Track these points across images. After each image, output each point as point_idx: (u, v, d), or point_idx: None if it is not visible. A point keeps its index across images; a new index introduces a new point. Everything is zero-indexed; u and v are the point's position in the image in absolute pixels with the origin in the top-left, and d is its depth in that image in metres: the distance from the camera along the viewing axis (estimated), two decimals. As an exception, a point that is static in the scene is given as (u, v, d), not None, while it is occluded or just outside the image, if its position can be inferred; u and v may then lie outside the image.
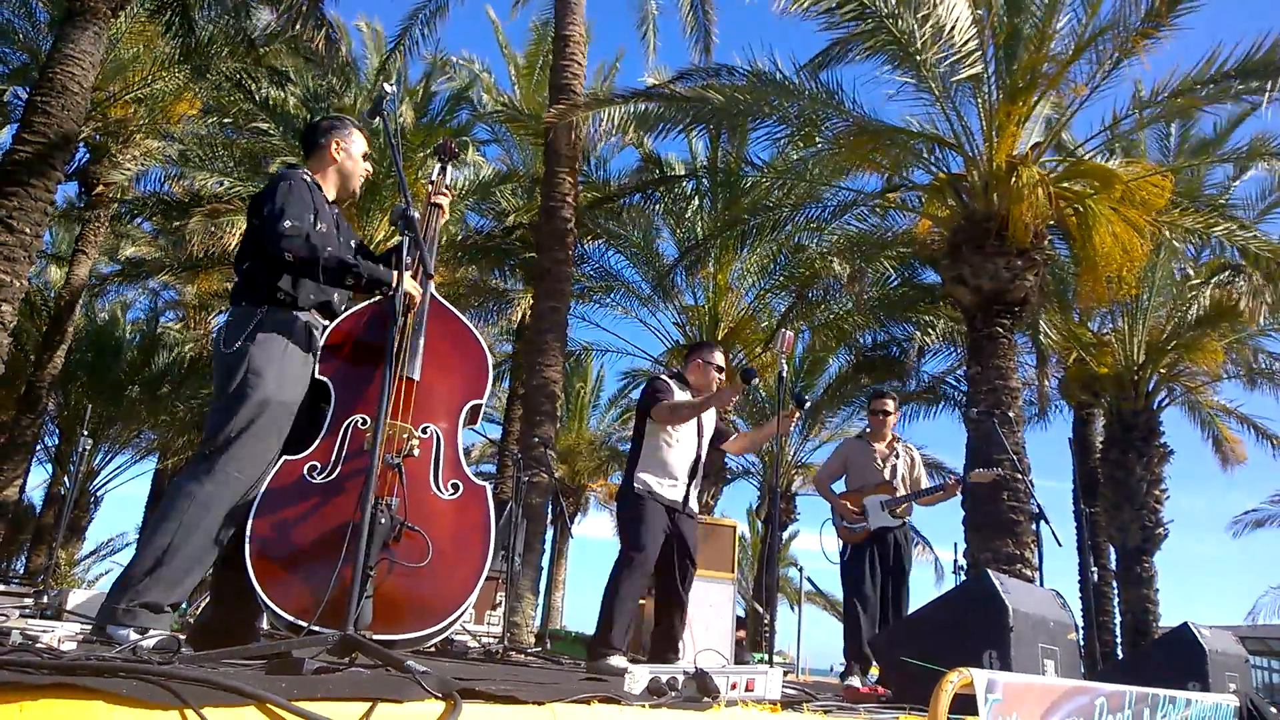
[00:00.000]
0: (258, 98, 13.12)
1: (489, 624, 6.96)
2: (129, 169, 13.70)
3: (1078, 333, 14.29)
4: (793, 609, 21.79)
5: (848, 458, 6.19)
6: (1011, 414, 9.28)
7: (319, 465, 2.89)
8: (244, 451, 2.83)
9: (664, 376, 5.05)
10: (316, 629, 2.48)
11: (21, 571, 18.73)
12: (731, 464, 19.28)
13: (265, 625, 2.98)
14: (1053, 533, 5.33)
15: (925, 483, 6.11)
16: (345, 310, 3.23)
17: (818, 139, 10.67)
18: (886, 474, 5.96)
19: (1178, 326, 13.72)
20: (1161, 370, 14.28)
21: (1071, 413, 17.04)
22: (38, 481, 22.21)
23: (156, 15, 11.78)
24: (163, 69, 13.01)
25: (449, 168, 3.76)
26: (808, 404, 5.03)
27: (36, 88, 9.43)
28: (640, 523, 4.61)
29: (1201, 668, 4.66)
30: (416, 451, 2.93)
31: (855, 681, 5.26)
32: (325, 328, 3.14)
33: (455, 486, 2.98)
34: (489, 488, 3.07)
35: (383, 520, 2.67)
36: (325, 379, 3.07)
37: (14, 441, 14.76)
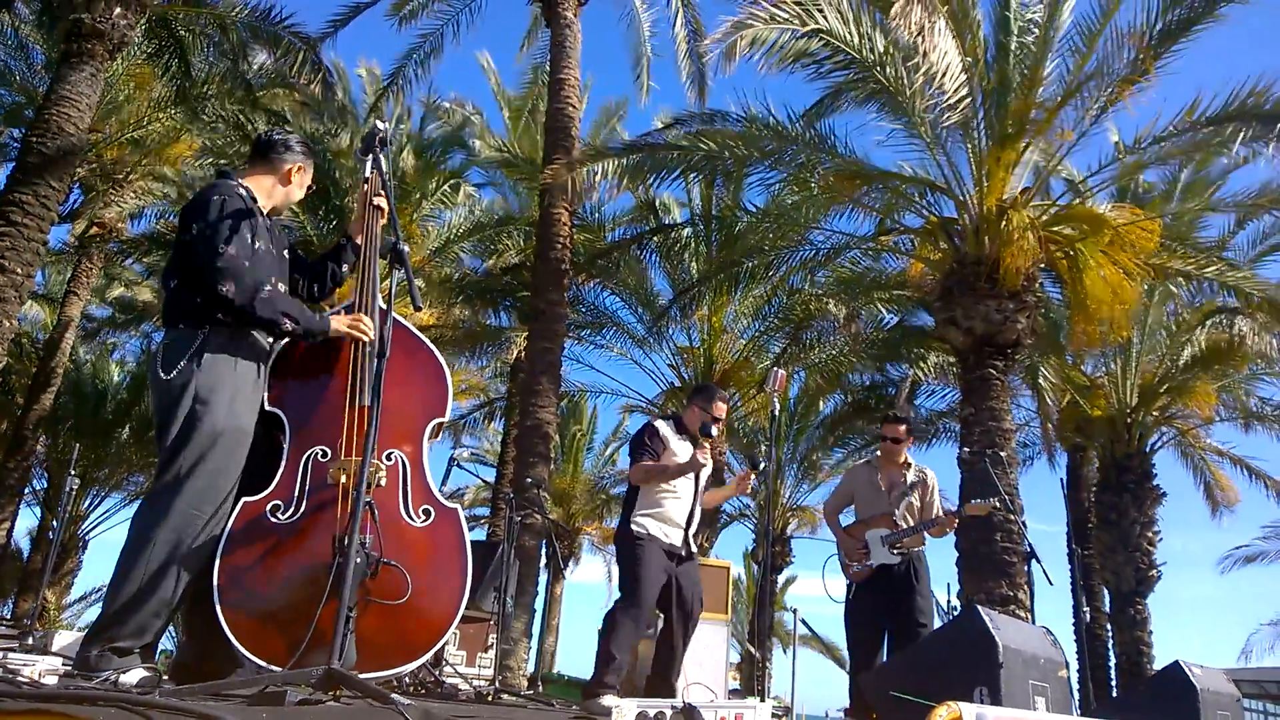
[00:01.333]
0: (254, 139, 13.20)
1: (480, 667, 6.86)
2: (123, 207, 13.75)
3: (1071, 375, 14.34)
4: (786, 653, 21.53)
5: (853, 487, 5.80)
6: (1004, 455, 9.28)
7: (280, 504, 2.81)
8: (199, 487, 2.70)
9: (659, 422, 5.05)
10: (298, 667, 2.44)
11: (9, 617, 18.46)
12: (727, 507, 19.22)
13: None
14: (1044, 571, 5.31)
15: (940, 510, 5.59)
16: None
17: (811, 183, 10.78)
18: (890, 503, 5.50)
19: (1170, 370, 13.79)
20: (1154, 413, 14.32)
21: (1064, 455, 17.08)
22: (27, 526, 21.94)
23: (154, 58, 11.91)
24: (159, 110, 13.12)
25: (382, 158, 3.34)
26: (762, 466, 4.97)
27: (32, 128, 9.50)
28: (638, 565, 4.57)
29: (1193, 707, 4.62)
30: (384, 480, 2.89)
31: None
32: (271, 349, 3.00)
33: (426, 513, 2.92)
34: (460, 510, 3.02)
35: (358, 560, 2.58)
36: (276, 410, 2.94)
37: (1, 484, 14.65)
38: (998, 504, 6.58)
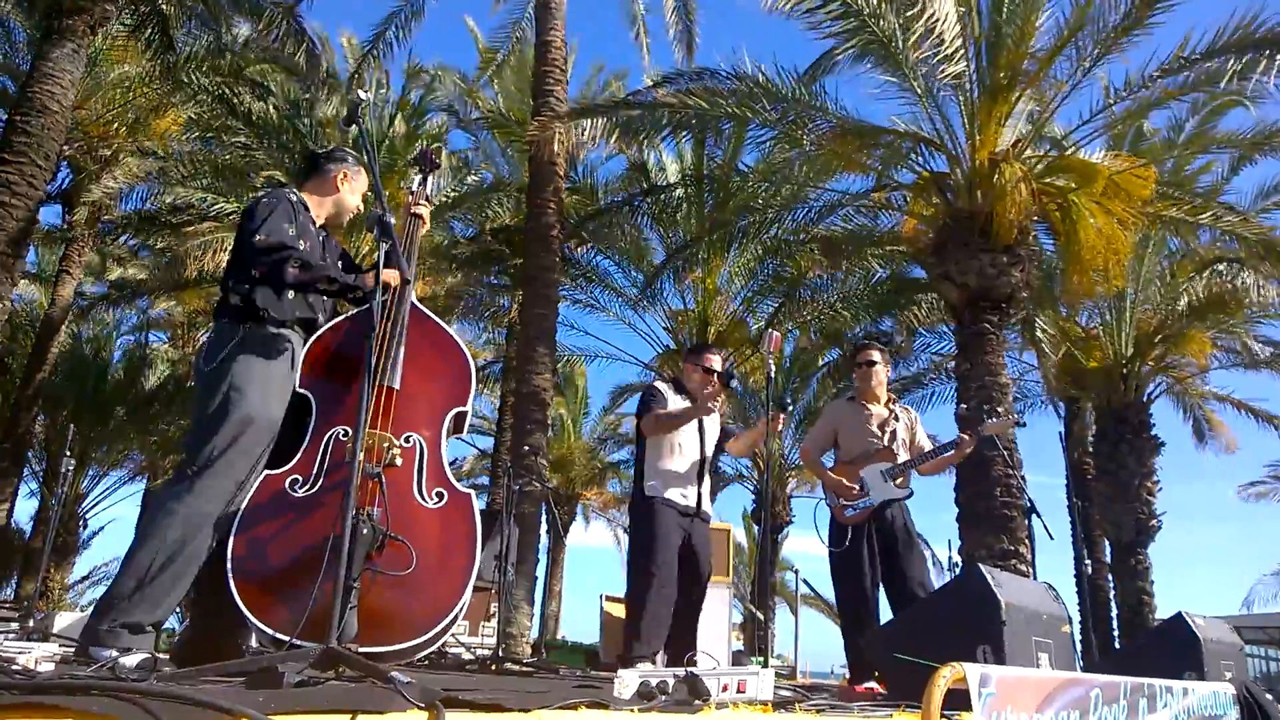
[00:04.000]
0: (239, 111, 13.06)
1: (483, 635, 6.91)
2: (111, 186, 13.60)
3: (1066, 327, 14.32)
4: (791, 613, 21.74)
5: (837, 423, 5.31)
6: (1002, 409, 9.28)
7: (300, 479, 2.87)
8: (226, 469, 2.81)
9: (659, 383, 5.05)
10: (299, 643, 2.44)
11: (12, 598, 18.54)
12: (726, 468, 19.29)
13: (254, 643, 2.93)
14: (1044, 526, 5.29)
15: (928, 446, 5.21)
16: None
17: (804, 140, 10.66)
18: (885, 439, 5.11)
19: (1166, 319, 13.76)
20: (1151, 362, 14.31)
21: (1063, 407, 17.13)
22: (29, 508, 21.97)
23: (136, 32, 11.71)
24: (143, 85, 12.94)
25: (430, 178, 3.74)
26: (790, 407, 4.85)
27: (16, 107, 9.38)
28: (654, 531, 4.59)
29: (1197, 657, 4.63)
30: (399, 460, 2.92)
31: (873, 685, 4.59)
32: (305, 344, 3.13)
33: (440, 495, 2.95)
34: (474, 495, 3.05)
35: (364, 531, 2.62)
36: (306, 392, 3.05)
37: (-1, 465, 14.64)
38: (1020, 420, 6.31)
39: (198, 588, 2.86)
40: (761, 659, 10.11)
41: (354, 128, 2.88)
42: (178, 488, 2.79)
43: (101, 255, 16.61)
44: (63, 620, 5.20)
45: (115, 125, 13.91)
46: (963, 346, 9.82)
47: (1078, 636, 4.86)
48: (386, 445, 2.89)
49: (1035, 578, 7.14)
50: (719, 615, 7.61)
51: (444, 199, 13.80)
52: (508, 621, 8.78)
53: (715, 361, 5.03)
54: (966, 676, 2.45)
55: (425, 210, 3.55)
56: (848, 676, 5.05)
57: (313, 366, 3.10)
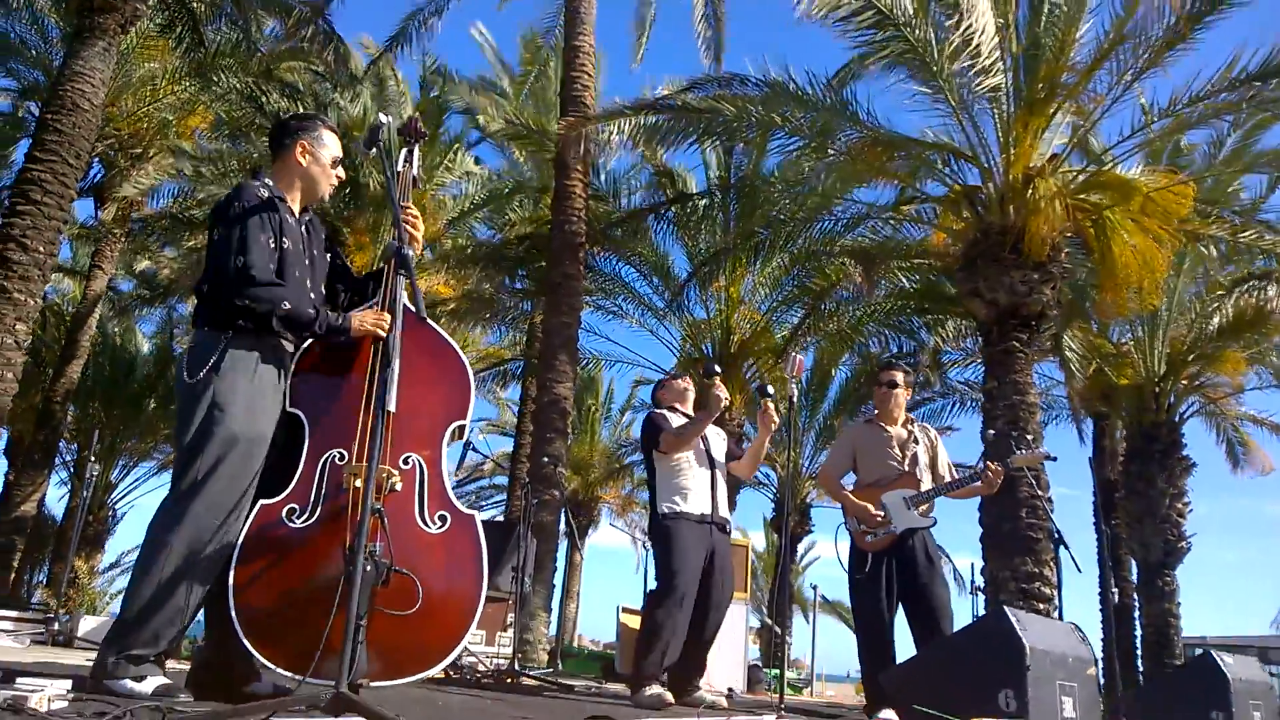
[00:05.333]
0: (268, 110, 13.16)
1: (500, 645, 6.89)
2: (142, 183, 13.73)
3: (1097, 343, 14.08)
4: (807, 620, 21.55)
5: (856, 446, 5.19)
6: (1029, 431, 9.13)
7: (297, 508, 2.77)
8: (215, 492, 2.68)
9: (658, 411, 5.08)
10: (312, 681, 2.40)
11: (45, 582, 18.78)
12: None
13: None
14: (1072, 559, 5.17)
15: (949, 469, 5.10)
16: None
17: (831, 150, 10.54)
18: (906, 464, 5.00)
19: (1199, 337, 13.51)
20: (1184, 382, 14.05)
21: (1090, 424, 16.88)
22: (60, 496, 22.24)
23: (167, 30, 11.81)
24: (173, 83, 13.04)
25: (416, 151, 3.30)
26: (770, 391, 4.78)
27: (48, 105, 9.46)
28: (672, 550, 4.58)
29: (1225, 697, 4.53)
30: (399, 485, 2.83)
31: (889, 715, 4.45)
32: (294, 353, 2.96)
33: (443, 519, 2.85)
34: (477, 516, 2.96)
35: (368, 568, 2.52)
36: (297, 411, 2.90)
37: (31, 457, 14.83)
38: (1051, 456, 6.11)
39: (210, 608, 2.79)
40: (774, 671, 10.03)
41: (373, 151, 2.78)
42: (168, 518, 2.67)
43: (133, 252, 16.72)
44: (86, 624, 5.22)
45: (145, 124, 14.02)
46: (990, 365, 9.67)
47: (1102, 666, 4.76)
48: (385, 475, 2.78)
49: (1061, 601, 7.04)
50: (737, 629, 7.57)
51: (467, 204, 13.83)
52: (525, 629, 8.78)
53: (679, 383, 5.23)
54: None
55: (419, 218, 3.15)
56: (864, 704, 4.96)
57: (302, 382, 2.94)
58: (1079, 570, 5.26)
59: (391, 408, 2.84)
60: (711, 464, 4.92)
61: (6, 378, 8.75)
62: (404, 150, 3.29)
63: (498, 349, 18.86)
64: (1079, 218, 9.66)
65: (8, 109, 15.27)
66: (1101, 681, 4.42)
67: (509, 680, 5.28)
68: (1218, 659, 4.65)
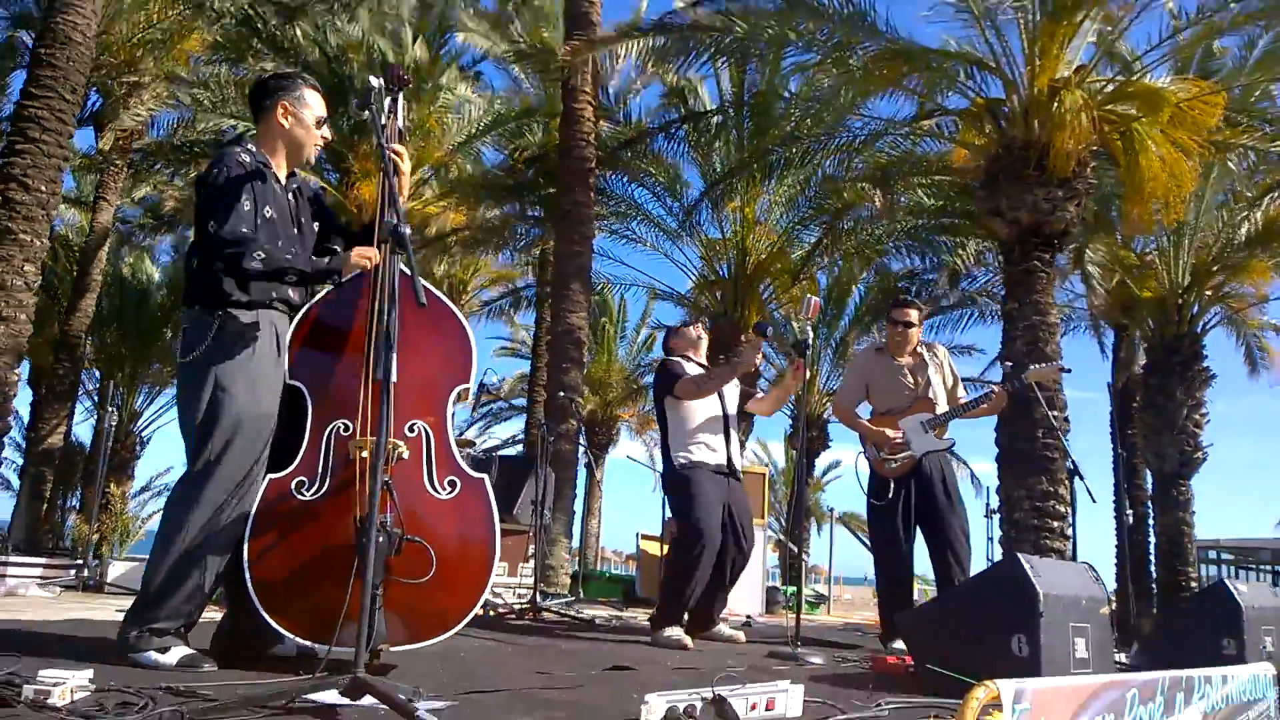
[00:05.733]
0: (263, 34, 12.83)
1: (521, 575, 7.03)
2: (139, 115, 13.50)
3: (1121, 255, 13.79)
4: (820, 534, 21.86)
5: (868, 376, 5.27)
6: (1049, 355, 9.04)
7: (305, 480, 2.78)
8: (228, 471, 2.71)
9: (671, 358, 5.02)
10: (336, 649, 2.41)
11: (78, 507, 19.20)
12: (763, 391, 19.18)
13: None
14: (1087, 490, 5.18)
15: (961, 390, 5.18)
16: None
17: (850, 62, 10.17)
18: (920, 389, 5.06)
19: (1226, 247, 13.21)
20: (1208, 292, 13.80)
21: (1111, 334, 16.70)
22: (86, 424, 22.58)
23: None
24: (166, 5, 12.69)
25: (400, 100, 3.09)
26: (808, 350, 4.73)
27: (39, 39, 9.26)
28: (694, 499, 4.57)
29: (1237, 625, 4.55)
30: (405, 453, 2.82)
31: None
32: (291, 321, 2.90)
33: (452, 484, 2.86)
34: (487, 480, 2.94)
35: (380, 539, 2.53)
36: (299, 384, 2.87)
37: (53, 390, 15.02)
38: (1065, 367, 6.15)
39: (228, 579, 2.82)
40: (791, 588, 10.19)
41: (366, 113, 2.66)
42: (183, 498, 2.72)
43: (135, 180, 16.54)
44: (116, 569, 5.33)
45: (140, 50, 13.70)
46: (1011, 285, 9.49)
47: (1112, 601, 4.80)
48: (391, 447, 2.75)
49: (1075, 524, 7.08)
50: (755, 555, 7.67)
51: (474, 128, 13.53)
52: (547, 556, 8.94)
53: (693, 332, 5.11)
54: (1000, 695, 2.38)
55: (404, 155, 2.99)
56: (879, 633, 5.06)
57: (300, 353, 2.89)
58: (1093, 501, 5.26)
59: (393, 378, 2.84)
60: (725, 415, 4.89)
61: (20, 319, 8.80)
62: (387, 100, 3.07)
63: (508, 269, 18.73)
64: (1106, 130, 9.34)
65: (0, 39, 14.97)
66: (1114, 603, 4.45)
67: (530, 616, 5.38)
68: (1231, 588, 4.66)
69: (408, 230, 2.36)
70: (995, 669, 3.21)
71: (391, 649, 2.71)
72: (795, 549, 10.93)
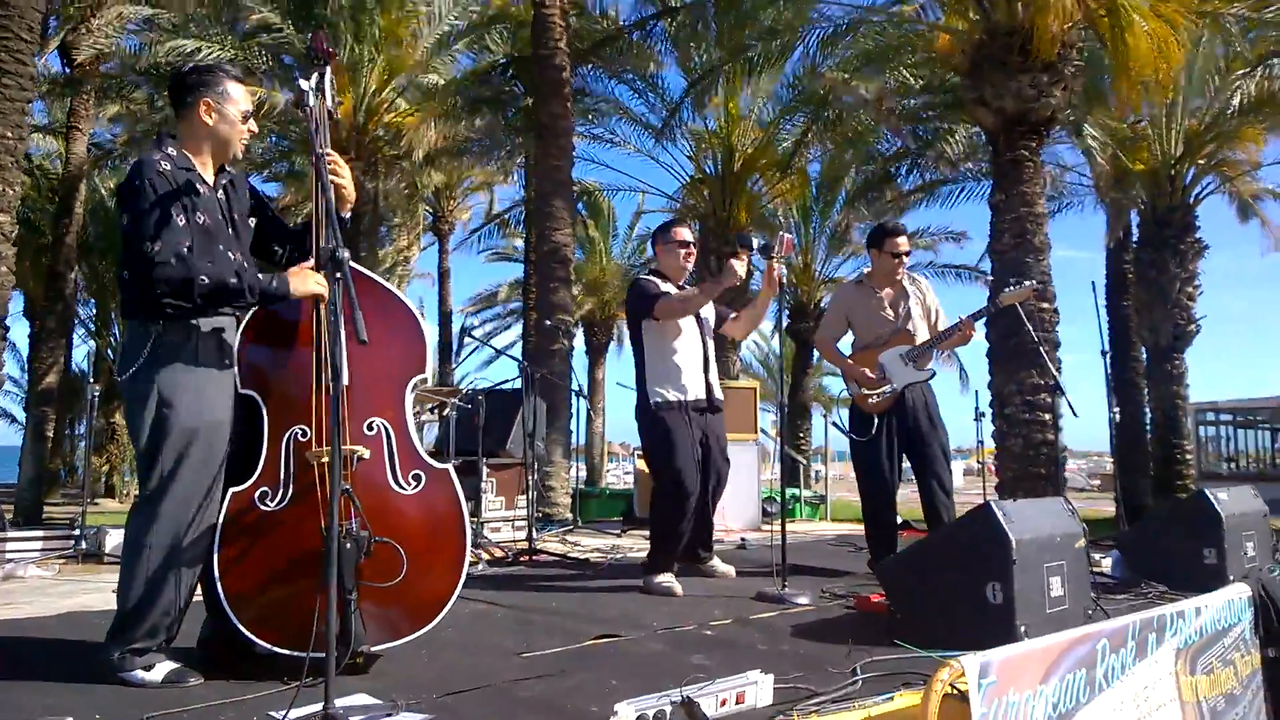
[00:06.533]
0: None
1: (517, 508, 7.15)
2: (103, 42, 13.04)
3: (1114, 128, 13.49)
4: (823, 416, 22.09)
5: (849, 309, 5.20)
6: (1037, 241, 8.97)
7: (269, 490, 2.76)
8: (183, 487, 2.66)
9: (645, 277, 4.87)
10: (311, 655, 2.47)
11: (82, 433, 19.41)
12: (759, 284, 19.21)
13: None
14: (1069, 405, 5.23)
15: (943, 321, 5.13)
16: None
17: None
18: (901, 321, 5.04)
19: (1220, 116, 12.91)
20: (1200, 161, 13.58)
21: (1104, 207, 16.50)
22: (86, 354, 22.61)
23: None
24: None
25: (328, 76, 2.88)
26: (759, 244, 4.57)
27: (-13, -25, 8.89)
28: (670, 443, 4.51)
29: (1217, 534, 4.64)
30: (366, 454, 2.81)
31: None
32: (238, 324, 2.82)
33: (417, 478, 2.85)
34: (451, 469, 2.93)
35: (348, 545, 2.56)
36: (250, 392, 2.81)
37: (45, 327, 15.02)
38: (1036, 285, 6.10)
39: (205, 585, 2.83)
40: (794, 490, 10.39)
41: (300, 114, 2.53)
42: (141, 519, 2.67)
43: (104, 105, 16.08)
44: (113, 539, 5.42)
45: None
46: (998, 176, 9.35)
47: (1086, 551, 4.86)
48: (349, 454, 2.75)
49: (1061, 427, 7.15)
50: (749, 474, 7.79)
51: (446, 29, 13.03)
52: (545, 481, 9.10)
53: (685, 233, 4.89)
54: (965, 672, 2.45)
55: (344, 175, 2.87)
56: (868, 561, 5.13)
57: (250, 360, 2.82)
58: (1075, 415, 5.29)
59: (344, 379, 2.78)
60: (705, 343, 4.77)
61: (0, 272, 8.72)
62: (314, 77, 2.83)
63: (492, 175, 18.34)
64: (1092, 7, 9.02)
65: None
66: (1087, 535, 4.52)
67: (525, 559, 5.51)
68: (1211, 497, 4.73)
69: (346, 254, 2.28)
70: (969, 618, 3.33)
71: (373, 649, 2.77)
72: (793, 454, 11.08)
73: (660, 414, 4.59)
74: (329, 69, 2.91)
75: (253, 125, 2.94)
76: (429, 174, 15.11)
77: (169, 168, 2.71)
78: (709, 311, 4.89)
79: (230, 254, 2.81)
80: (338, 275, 2.26)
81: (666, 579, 4.46)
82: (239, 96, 2.88)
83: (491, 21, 13.19)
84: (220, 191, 2.87)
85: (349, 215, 2.97)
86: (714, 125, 13.33)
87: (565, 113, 10.01)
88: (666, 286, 4.74)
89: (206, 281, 2.62)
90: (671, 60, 12.93)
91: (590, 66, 12.89)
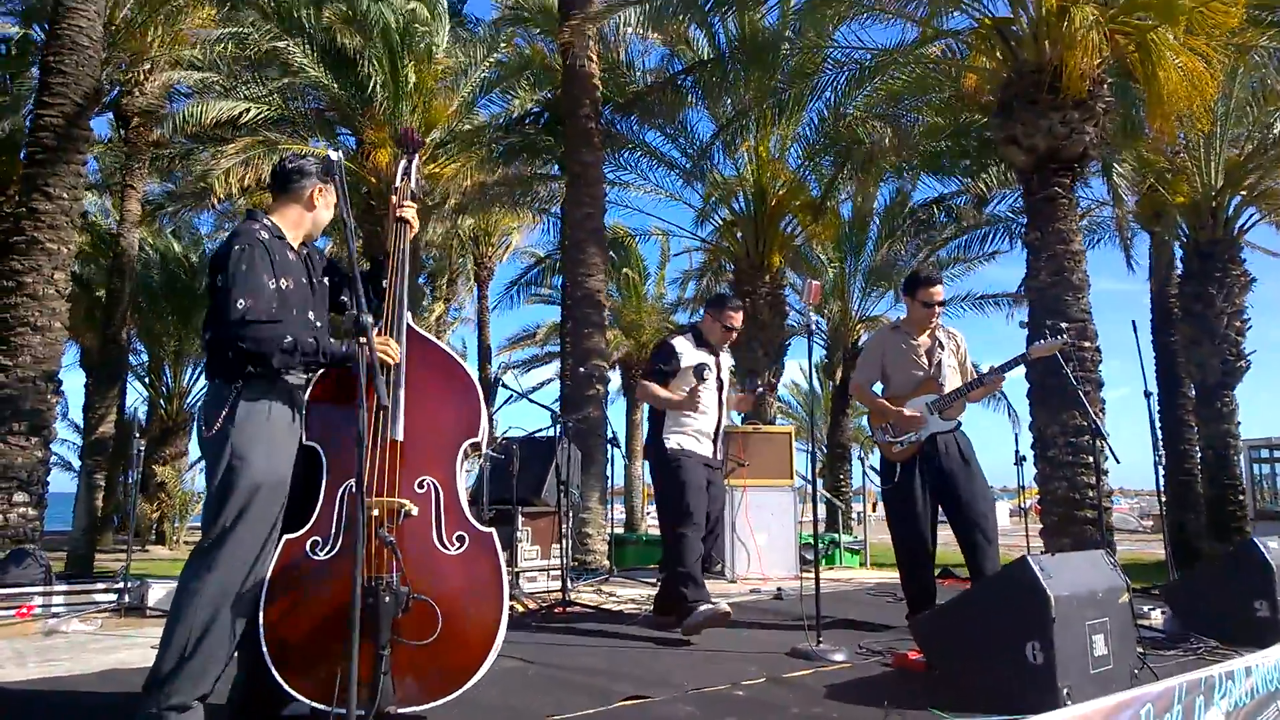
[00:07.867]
0: (267, 10, 12.69)
1: (553, 557, 7.14)
2: (156, 103, 13.49)
3: (1150, 159, 13.32)
4: (862, 459, 21.88)
5: (885, 354, 5.20)
6: (1075, 279, 8.86)
7: (320, 540, 2.85)
8: (242, 539, 2.78)
9: (677, 339, 5.07)
10: (340, 711, 2.49)
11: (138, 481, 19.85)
12: (794, 323, 19.11)
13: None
14: (1110, 451, 5.14)
15: (972, 370, 5.13)
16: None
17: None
18: (931, 370, 5.04)
19: (1260, 146, 12.70)
20: (1243, 192, 13.33)
21: (1147, 238, 16.26)
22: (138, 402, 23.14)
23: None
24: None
25: (415, 162, 3.41)
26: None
27: (47, 46, 9.41)
28: (683, 488, 4.73)
29: (1269, 584, 4.53)
30: (415, 511, 2.89)
31: None
32: (306, 386, 3.02)
33: (461, 539, 2.92)
34: (494, 533, 3.00)
35: (386, 600, 2.65)
36: (314, 445, 2.96)
37: (99, 377, 15.39)
38: (1068, 340, 6.07)
39: (241, 644, 2.89)
40: (834, 535, 10.26)
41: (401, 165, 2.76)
42: (197, 566, 2.78)
43: (156, 168, 16.60)
44: (156, 593, 5.50)
45: (150, 38, 13.63)
46: (1032, 214, 9.26)
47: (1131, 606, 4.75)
48: (398, 508, 2.85)
49: (1107, 470, 6.97)
50: (785, 519, 7.72)
51: (477, 83, 13.29)
52: (583, 523, 9.08)
53: (735, 318, 5.12)
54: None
55: (411, 212, 3.31)
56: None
57: (317, 414, 2.99)
58: (1117, 462, 5.22)
59: (399, 435, 2.95)
60: (720, 414, 5.05)
61: (54, 328, 9.02)
62: (403, 163, 3.32)
63: (521, 217, 18.52)
64: (1121, 43, 8.98)
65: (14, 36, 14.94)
66: (1131, 589, 4.41)
67: (559, 611, 5.49)
68: (1261, 546, 4.62)
69: (370, 320, 2.47)
70: (1010, 678, 3.25)
71: (401, 710, 2.78)
72: (838, 503, 10.93)
73: (678, 457, 4.85)
74: (417, 157, 3.42)
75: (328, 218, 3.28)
76: (462, 221, 15.33)
77: (266, 236, 2.99)
78: (726, 375, 5.20)
79: (310, 316, 3.07)
80: (361, 340, 2.40)
81: (706, 608, 4.46)
82: (333, 195, 3.19)
83: (521, 69, 13.40)
84: (303, 260, 3.14)
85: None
86: (744, 165, 13.40)
87: (596, 161, 10.17)
88: (693, 353, 5.00)
89: (290, 341, 2.84)
90: (701, 105, 13.04)
91: (620, 115, 13.05)
